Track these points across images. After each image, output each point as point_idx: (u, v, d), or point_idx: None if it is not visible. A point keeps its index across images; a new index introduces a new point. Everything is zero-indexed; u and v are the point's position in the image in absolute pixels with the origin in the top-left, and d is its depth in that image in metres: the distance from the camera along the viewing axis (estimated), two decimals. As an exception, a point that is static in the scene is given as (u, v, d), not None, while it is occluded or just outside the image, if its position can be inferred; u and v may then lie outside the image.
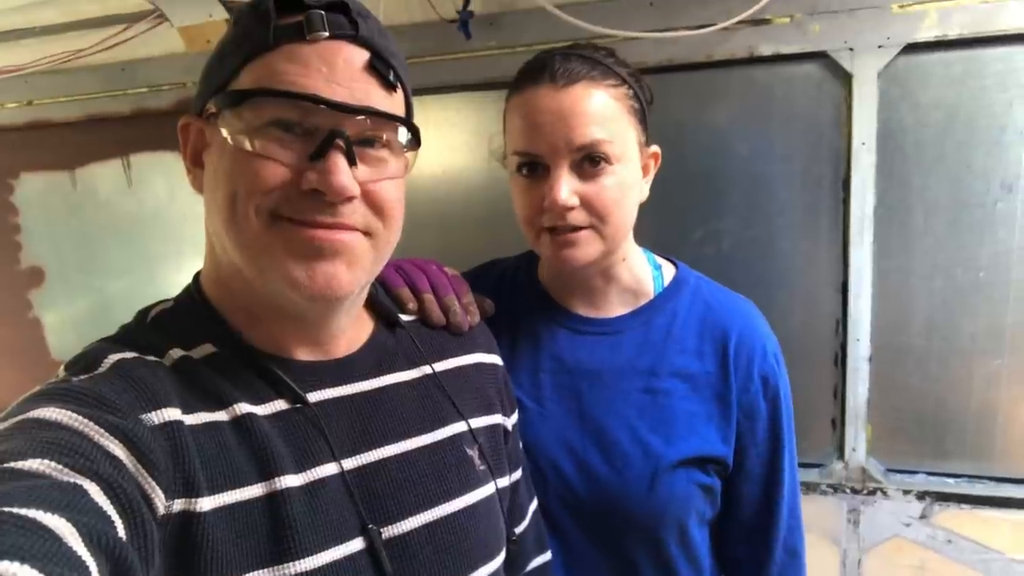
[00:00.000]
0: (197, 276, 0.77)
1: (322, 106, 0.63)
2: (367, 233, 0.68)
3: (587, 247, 0.93)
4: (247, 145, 0.64)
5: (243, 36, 0.67)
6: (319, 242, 0.65)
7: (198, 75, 0.72)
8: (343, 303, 0.71)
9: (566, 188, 0.89)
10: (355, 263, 0.67)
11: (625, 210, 0.94)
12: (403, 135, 0.70)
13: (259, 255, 0.65)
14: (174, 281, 2.17)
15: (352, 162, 0.64)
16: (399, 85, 0.70)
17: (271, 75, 0.64)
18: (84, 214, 2.21)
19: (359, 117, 0.65)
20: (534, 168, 0.93)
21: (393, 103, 0.69)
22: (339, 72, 0.64)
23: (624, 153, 0.92)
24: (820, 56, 1.55)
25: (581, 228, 0.92)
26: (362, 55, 0.66)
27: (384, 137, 0.68)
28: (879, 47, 1.50)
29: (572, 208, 0.90)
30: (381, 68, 0.67)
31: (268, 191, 0.63)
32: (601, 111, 0.90)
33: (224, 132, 0.65)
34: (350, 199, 0.65)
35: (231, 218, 0.65)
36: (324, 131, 0.64)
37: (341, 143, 0.63)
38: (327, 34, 0.64)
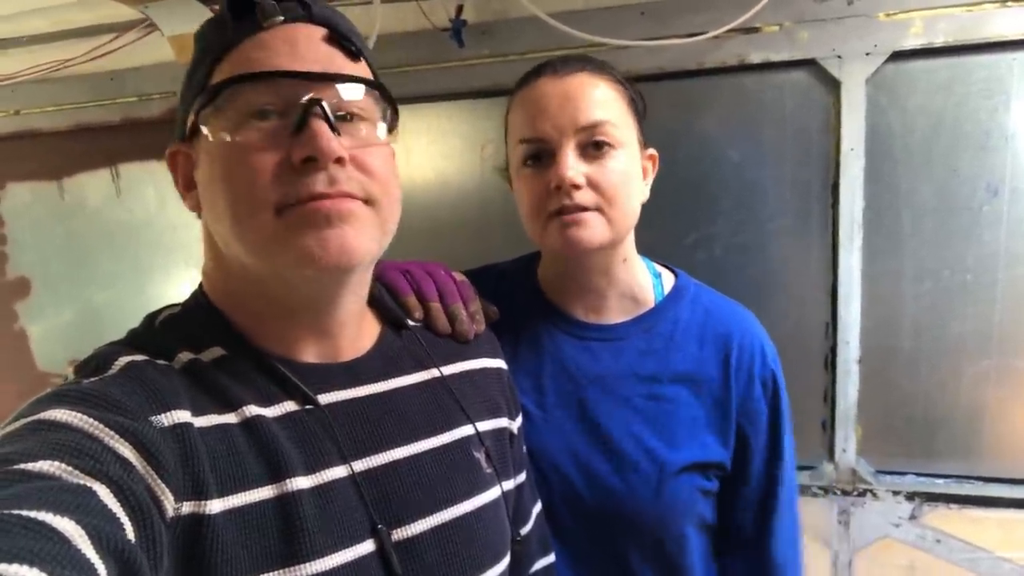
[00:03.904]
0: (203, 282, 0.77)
1: (294, 78, 0.64)
2: (367, 201, 0.68)
3: (594, 229, 0.93)
4: (228, 138, 0.65)
5: (207, 47, 0.70)
6: (325, 211, 0.65)
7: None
8: (353, 274, 0.71)
9: (573, 167, 0.90)
10: (361, 229, 0.67)
11: (630, 196, 0.95)
12: (381, 108, 0.71)
13: (271, 243, 0.65)
14: (163, 292, 2.16)
15: (334, 131, 0.65)
16: (363, 57, 0.72)
17: (239, 64, 0.66)
18: (72, 224, 2.20)
19: (332, 85, 0.66)
20: (539, 157, 0.94)
21: (360, 70, 0.71)
22: (302, 47, 0.67)
23: (627, 141, 0.94)
24: (809, 64, 1.58)
25: (588, 209, 0.92)
26: (320, 31, 0.69)
27: (360, 110, 0.69)
28: (867, 55, 1.52)
29: (579, 187, 0.91)
30: (342, 39, 0.69)
31: (267, 182, 0.64)
32: (603, 96, 0.93)
33: (206, 131, 0.66)
34: (340, 161, 0.65)
35: (237, 217, 0.65)
36: (301, 104, 0.65)
37: (319, 111, 0.64)
38: (282, 18, 0.67)
